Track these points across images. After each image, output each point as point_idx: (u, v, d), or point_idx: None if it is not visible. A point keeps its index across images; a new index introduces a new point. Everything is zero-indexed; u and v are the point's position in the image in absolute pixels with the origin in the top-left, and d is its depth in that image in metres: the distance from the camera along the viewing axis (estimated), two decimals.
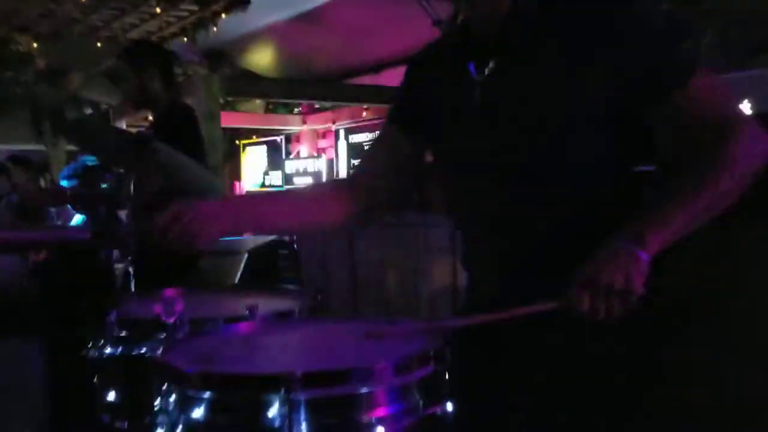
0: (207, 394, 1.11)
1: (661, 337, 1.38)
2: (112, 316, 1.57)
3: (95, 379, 1.69)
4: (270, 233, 2.34)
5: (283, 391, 1.04)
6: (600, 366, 1.29)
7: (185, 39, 8.54)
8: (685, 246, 1.23)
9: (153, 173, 2.33)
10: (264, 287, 1.91)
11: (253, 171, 11.11)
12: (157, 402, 1.21)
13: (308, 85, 8.12)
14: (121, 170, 2.22)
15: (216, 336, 1.43)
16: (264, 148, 10.59)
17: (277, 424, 1.05)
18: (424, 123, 1.46)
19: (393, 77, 8.32)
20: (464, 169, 1.41)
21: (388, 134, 1.56)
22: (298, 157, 10.03)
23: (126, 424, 1.64)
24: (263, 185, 10.61)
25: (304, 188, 1.59)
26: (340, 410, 1.09)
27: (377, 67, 8.67)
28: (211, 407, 1.11)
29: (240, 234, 2.30)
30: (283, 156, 10.16)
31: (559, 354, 1.30)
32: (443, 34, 1.65)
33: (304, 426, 1.06)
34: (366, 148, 8.18)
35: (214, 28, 8.15)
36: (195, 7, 7.70)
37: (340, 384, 1.09)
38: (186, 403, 1.13)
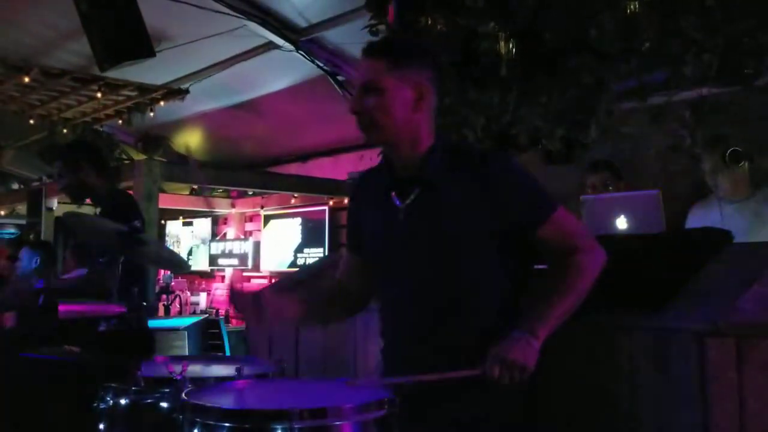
0: (226, 425, 1.56)
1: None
2: (140, 373, 1.99)
3: (101, 426, 2.07)
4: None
5: (287, 422, 1.50)
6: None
7: (120, 122, 8.88)
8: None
9: (139, 257, 2.76)
10: (237, 357, 2.38)
11: (178, 251, 11.31)
12: None
13: (240, 173, 8.54)
14: (112, 256, 2.63)
15: (222, 388, 1.88)
16: (190, 229, 10.84)
17: None
18: (364, 242, 2.09)
19: (319, 167, 8.87)
20: (390, 269, 2.01)
21: (347, 257, 2.22)
22: (224, 239, 10.28)
23: None
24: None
25: (324, 291, 2.29)
26: None
27: (304, 157, 9.22)
28: None
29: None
30: (210, 237, 10.39)
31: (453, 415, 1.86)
32: (371, 168, 2.20)
33: None
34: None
35: (151, 114, 8.53)
36: (134, 93, 8.05)
37: (322, 418, 1.57)
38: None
